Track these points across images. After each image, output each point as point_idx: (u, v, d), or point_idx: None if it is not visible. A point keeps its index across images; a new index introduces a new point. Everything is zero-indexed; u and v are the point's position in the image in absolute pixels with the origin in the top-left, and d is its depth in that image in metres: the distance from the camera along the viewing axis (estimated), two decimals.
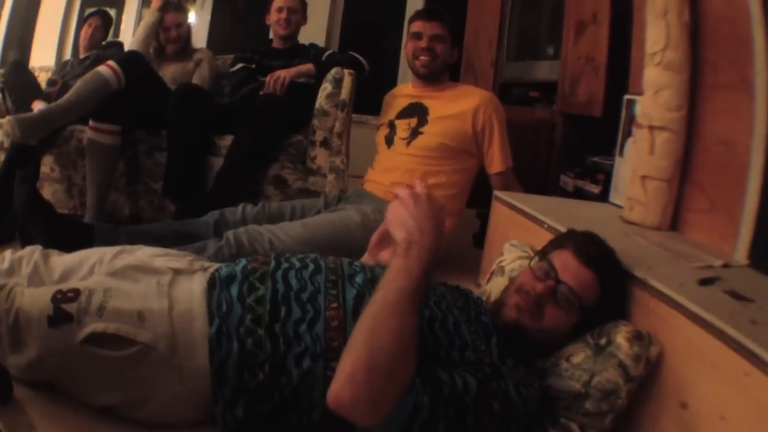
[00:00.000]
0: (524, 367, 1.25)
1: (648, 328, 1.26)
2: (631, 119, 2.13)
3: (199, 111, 2.78)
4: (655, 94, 1.84)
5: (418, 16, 2.62)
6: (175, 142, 2.75)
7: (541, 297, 1.29)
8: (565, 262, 1.33)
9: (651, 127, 1.84)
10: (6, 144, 2.85)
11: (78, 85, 2.70)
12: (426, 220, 1.16)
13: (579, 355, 1.28)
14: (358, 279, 1.27)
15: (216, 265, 1.35)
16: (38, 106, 2.92)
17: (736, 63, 1.62)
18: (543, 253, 1.41)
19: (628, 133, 2.17)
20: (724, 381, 1.05)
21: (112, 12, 4.53)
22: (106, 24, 3.70)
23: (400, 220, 1.18)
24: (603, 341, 1.26)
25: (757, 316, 1.11)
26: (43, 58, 4.56)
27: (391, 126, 2.59)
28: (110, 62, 2.73)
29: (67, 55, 4.72)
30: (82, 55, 3.56)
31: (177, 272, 1.27)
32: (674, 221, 1.84)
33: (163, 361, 1.12)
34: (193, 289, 1.23)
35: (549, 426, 1.23)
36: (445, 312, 1.26)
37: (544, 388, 1.22)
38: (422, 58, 2.54)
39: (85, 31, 3.58)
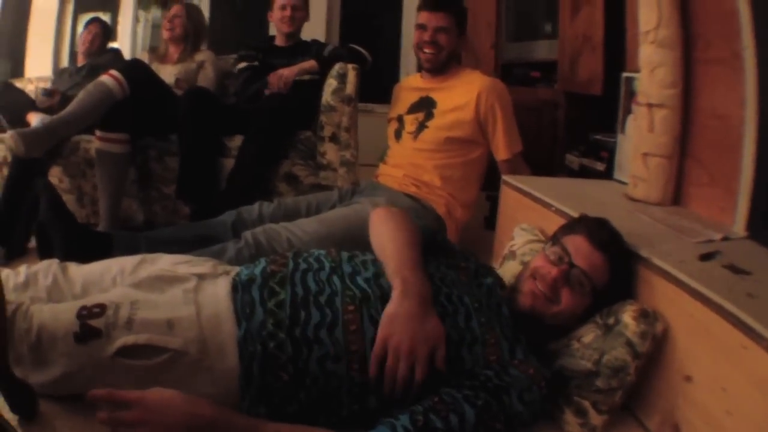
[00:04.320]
0: (535, 353, 1.30)
1: (653, 305, 1.31)
2: (630, 96, 2.16)
3: (209, 113, 2.79)
4: (652, 72, 1.87)
5: (423, 6, 2.58)
6: (187, 145, 2.75)
7: (557, 281, 1.33)
8: (578, 247, 1.37)
9: (649, 105, 1.88)
10: (9, 159, 2.77)
11: (81, 96, 2.67)
12: None
13: (589, 335, 1.33)
14: (361, 278, 1.29)
15: (238, 269, 1.37)
16: (33, 118, 2.89)
17: (726, 37, 1.65)
18: (556, 238, 1.45)
19: (627, 110, 2.20)
20: (724, 354, 1.10)
21: (107, 17, 4.49)
22: (106, 32, 3.68)
23: None
24: (611, 320, 1.32)
25: (753, 290, 1.16)
26: (38, 68, 4.44)
27: (400, 120, 2.60)
28: (113, 71, 2.70)
29: (64, 63, 4.63)
30: (80, 63, 3.53)
31: (201, 278, 1.28)
32: (676, 196, 1.89)
33: (195, 364, 1.13)
34: (218, 293, 1.24)
35: (564, 405, 1.29)
36: (456, 304, 1.29)
37: (550, 379, 1.25)
38: (426, 51, 2.51)
39: (85, 38, 3.55)
